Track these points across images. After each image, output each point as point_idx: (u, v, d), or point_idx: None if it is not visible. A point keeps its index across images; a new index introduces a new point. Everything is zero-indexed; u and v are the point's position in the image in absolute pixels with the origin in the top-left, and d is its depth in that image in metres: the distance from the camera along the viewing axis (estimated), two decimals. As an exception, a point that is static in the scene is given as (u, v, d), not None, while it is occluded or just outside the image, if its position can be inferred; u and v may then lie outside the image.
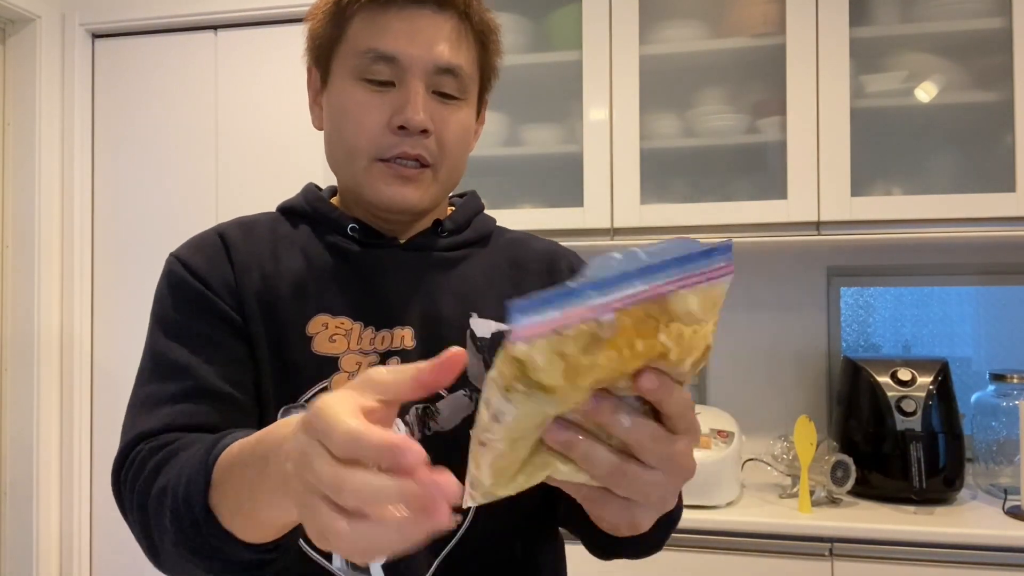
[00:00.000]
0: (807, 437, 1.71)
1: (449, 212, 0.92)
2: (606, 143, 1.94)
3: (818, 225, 1.84)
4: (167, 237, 2.40)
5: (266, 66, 2.33)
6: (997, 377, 1.84)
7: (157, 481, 0.65)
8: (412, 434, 0.77)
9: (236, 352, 0.77)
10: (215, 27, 2.38)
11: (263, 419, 0.78)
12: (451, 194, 0.95)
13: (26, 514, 2.33)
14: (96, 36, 2.47)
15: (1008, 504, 1.68)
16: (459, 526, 0.78)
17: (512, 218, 2.04)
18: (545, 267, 0.89)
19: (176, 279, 0.80)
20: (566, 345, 0.42)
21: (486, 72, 0.86)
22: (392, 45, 0.77)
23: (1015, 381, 1.81)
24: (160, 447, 0.68)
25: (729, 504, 1.73)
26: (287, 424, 0.51)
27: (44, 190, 2.36)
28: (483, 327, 0.82)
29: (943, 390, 1.77)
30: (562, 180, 2.01)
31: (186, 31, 2.41)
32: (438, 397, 0.78)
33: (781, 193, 1.86)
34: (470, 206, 0.93)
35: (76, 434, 2.39)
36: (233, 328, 0.78)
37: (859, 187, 1.84)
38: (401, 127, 0.78)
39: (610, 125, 1.94)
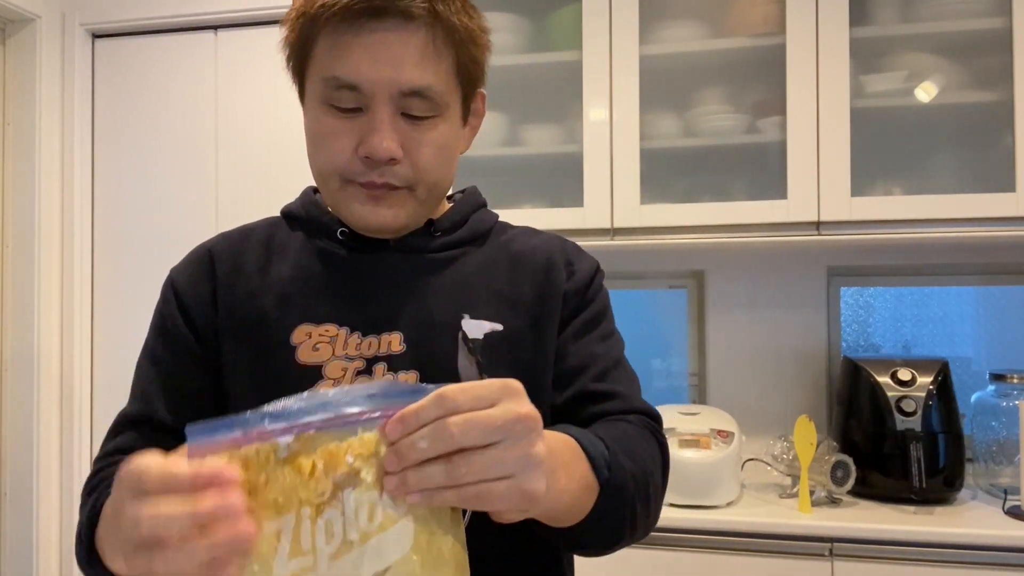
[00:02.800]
0: (807, 437, 1.71)
1: (446, 208, 0.90)
2: (606, 143, 1.94)
3: (818, 225, 1.84)
4: (167, 237, 2.40)
5: (266, 66, 2.33)
6: (997, 377, 1.84)
7: (83, 510, 0.73)
8: None
9: (189, 384, 0.81)
10: (215, 27, 2.38)
11: None
12: (450, 191, 0.95)
13: (26, 514, 2.33)
14: (96, 36, 2.47)
15: (1008, 504, 1.68)
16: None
17: (512, 218, 2.03)
18: (543, 264, 0.87)
19: (163, 298, 0.85)
20: (246, 463, 0.48)
21: (468, 75, 0.81)
22: (353, 72, 0.74)
23: (1015, 381, 1.81)
24: (100, 469, 0.78)
25: (729, 504, 1.73)
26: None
27: (44, 190, 2.36)
28: (475, 328, 0.81)
29: (943, 390, 1.77)
30: (562, 180, 2.01)
31: (186, 31, 2.40)
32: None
33: (781, 193, 1.86)
34: (468, 203, 0.91)
35: (76, 434, 2.39)
36: (195, 357, 0.82)
37: (859, 187, 1.84)
38: (367, 156, 0.75)
39: (610, 125, 1.94)
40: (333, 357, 0.78)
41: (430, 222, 0.86)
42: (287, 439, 0.48)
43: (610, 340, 0.88)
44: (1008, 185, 1.76)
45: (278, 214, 0.91)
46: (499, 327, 0.81)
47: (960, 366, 2.08)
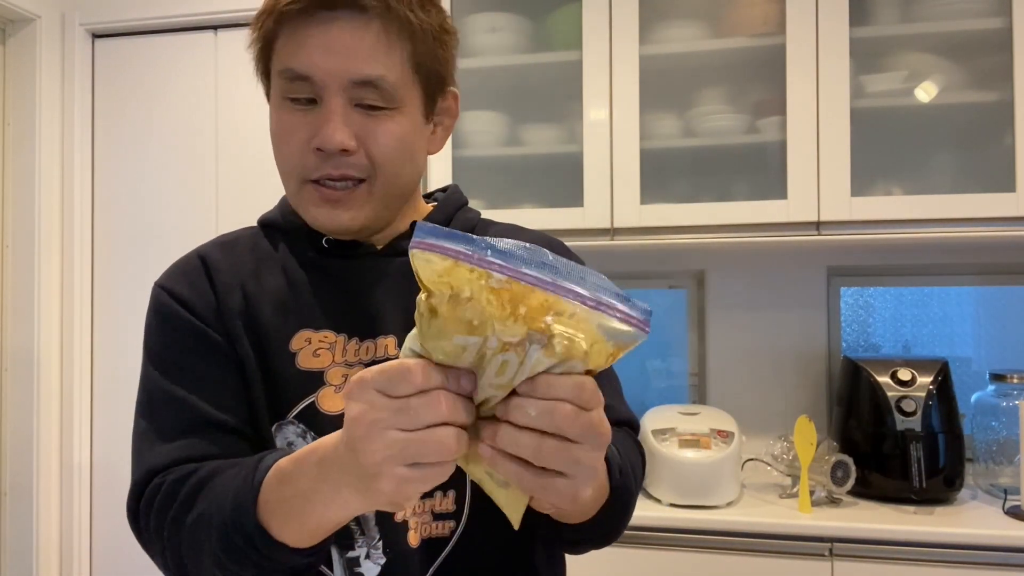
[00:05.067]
0: (807, 437, 1.71)
1: (430, 209, 0.90)
2: (606, 143, 1.94)
3: (818, 225, 1.84)
4: (167, 237, 2.40)
5: (266, 66, 2.33)
6: (997, 377, 1.84)
7: (193, 511, 0.69)
8: None
9: (226, 379, 0.78)
10: (215, 27, 2.38)
11: (258, 436, 0.78)
12: (433, 189, 0.95)
13: (26, 514, 2.33)
14: (96, 36, 2.47)
15: (1008, 504, 1.68)
16: (452, 534, 0.77)
17: (512, 218, 2.03)
18: None
19: (164, 309, 0.81)
20: (456, 275, 0.49)
21: (426, 72, 0.79)
22: (306, 63, 0.74)
23: (1015, 381, 1.81)
24: (183, 479, 0.72)
25: (729, 504, 1.73)
26: (330, 436, 0.59)
27: (44, 190, 2.36)
28: None
29: (943, 390, 1.77)
30: (562, 180, 2.01)
31: (186, 31, 2.40)
32: None
33: (781, 193, 1.86)
34: (451, 202, 0.91)
35: (76, 434, 2.39)
36: (221, 353, 0.79)
37: (859, 187, 1.84)
38: (319, 148, 0.76)
39: (610, 125, 1.94)
40: (333, 363, 0.78)
41: (414, 223, 0.84)
42: (501, 276, 0.49)
43: None
44: (1008, 185, 1.76)
45: (255, 224, 0.90)
46: None
47: (960, 366, 2.08)
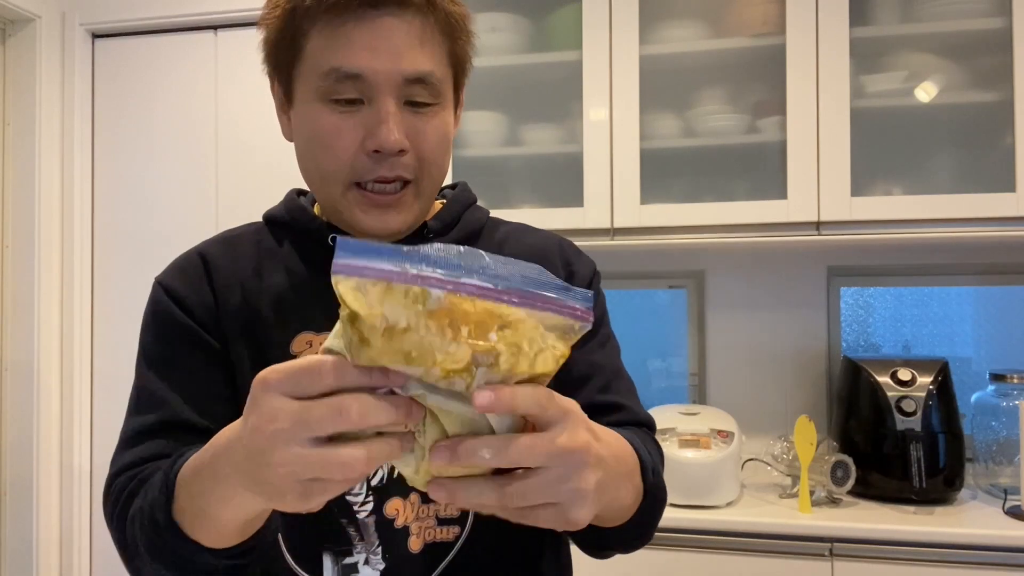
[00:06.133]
0: (807, 437, 1.71)
1: (438, 207, 0.88)
2: (606, 143, 1.94)
3: (818, 225, 1.84)
4: (167, 237, 2.40)
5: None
6: (997, 377, 1.84)
7: (131, 508, 0.69)
8: None
9: (213, 384, 0.77)
10: (215, 27, 2.38)
11: None
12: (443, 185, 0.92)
13: (26, 514, 2.33)
14: (96, 36, 2.47)
15: (1008, 504, 1.67)
16: (456, 539, 0.77)
17: (512, 218, 2.03)
18: (535, 261, 0.85)
19: (159, 307, 0.80)
20: (391, 300, 0.43)
21: (459, 66, 0.80)
22: (355, 62, 0.72)
23: (1015, 381, 1.80)
24: (133, 476, 0.72)
25: (729, 504, 1.73)
26: (230, 427, 0.55)
27: (44, 190, 2.36)
28: None
29: (943, 390, 1.77)
30: (562, 180, 2.01)
31: (186, 31, 2.40)
32: None
33: (781, 193, 1.86)
34: (460, 200, 0.89)
35: (76, 434, 2.39)
36: (211, 356, 0.78)
37: (859, 187, 1.84)
38: (376, 151, 0.73)
39: (610, 125, 1.94)
40: None
41: (423, 224, 0.83)
42: (440, 293, 0.44)
43: (608, 345, 0.87)
44: (1008, 185, 1.76)
45: (260, 220, 0.88)
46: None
47: (960, 366, 2.08)
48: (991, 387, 1.85)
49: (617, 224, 1.92)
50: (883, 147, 1.90)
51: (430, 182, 0.78)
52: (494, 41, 2.07)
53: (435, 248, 0.45)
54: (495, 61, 2.07)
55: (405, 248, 0.45)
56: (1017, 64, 1.76)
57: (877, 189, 1.88)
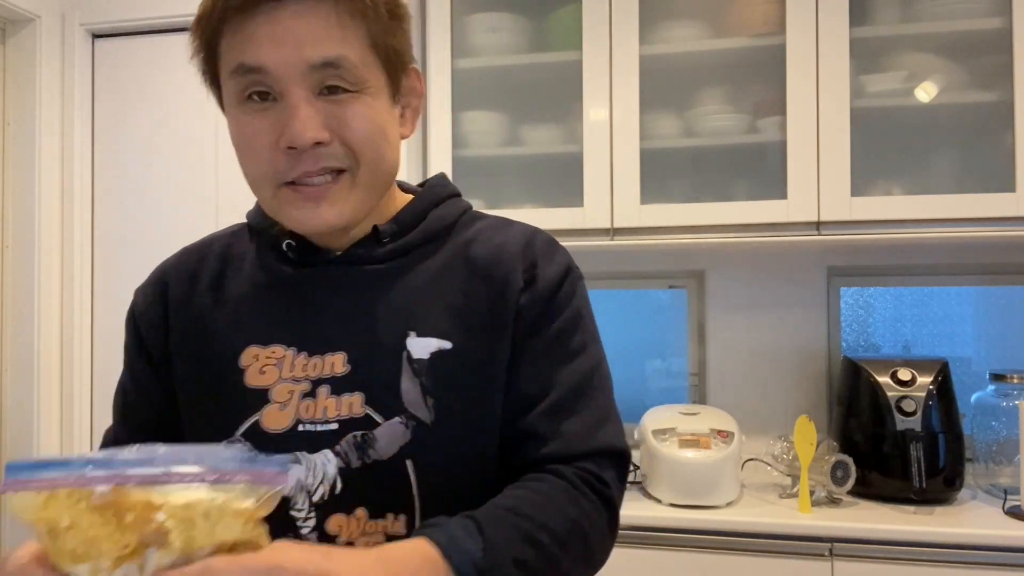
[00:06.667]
0: (807, 437, 1.71)
1: (408, 201, 0.84)
2: (606, 143, 1.94)
3: (818, 225, 1.84)
4: (167, 237, 2.40)
5: (266, 66, 2.33)
6: (997, 377, 1.84)
7: None
8: (347, 463, 0.74)
9: (145, 412, 0.84)
10: (215, 27, 2.38)
11: None
12: (417, 183, 0.89)
13: (26, 514, 2.33)
14: (96, 36, 2.47)
15: (1008, 504, 1.67)
16: (407, 533, 0.75)
17: (512, 218, 2.03)
18: (501, 270, 0.79)
19: (126, 323, 0.88)
20: (53, 505, 0.48)
21: (384, 50, 0.75)
22: (256, 55, 0.70)
23: (1015, 381, 1.80)
24: None
25: (729, 504, 1.73)
26: None
27: (44, 190, 2.36)
28: (421, 347, 0.75)
29: (943, 390, 1.77)
30: (562, 180, 2.01)
31: (186, 31, 2.40)
32: (374, 424, 0.74)
33: (781, 193, 1.86)
34: (426, 199, 0.84)
35: (76, 434, 2.39)
36: (149, 385, 0.84)
37: (859, 187, 1.84)
38: (290, 147, 0.71)
39: (610, 125, 1.94)
40: (280, 380, 0.76)
41: (376, 228, 0.80)
42: (104, 488, 0.48)
43: (580, 359, 0.79)
44: (1008, 185, 1.76)
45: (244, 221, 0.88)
46: (447, 345, 0.76)
47: (960, 366, 2.08)
48: (991, 387, 1.85)
49: (617, 224, 1.92)
50: (883, 147, 1.90)
51: (368, 172, 0.74)
52: (494, 41, 2.07)
53: (106, 451, 0.50)
54: (495, 61, 2.07)
55: (75, 456, 0.49)
56: (1017, 64, 1.76)
57: (877, 189, 1.88)
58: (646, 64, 1.94)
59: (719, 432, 1.76)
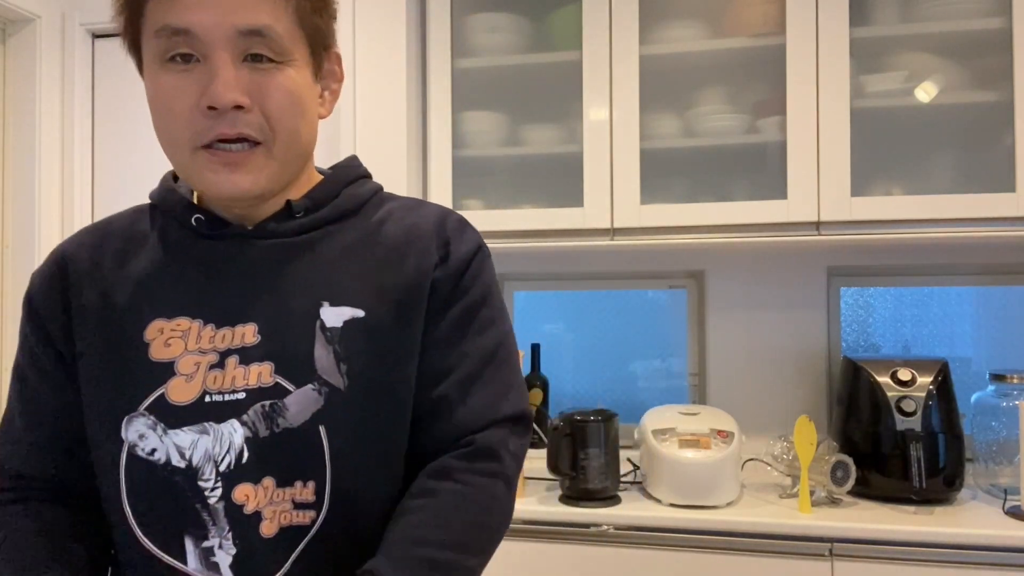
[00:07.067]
0: (807, 437, 1.71)
1: (315, 183, 0.86)
2: (606, 143, 1.94)
3: (818, 225, 1.84)
4: (167, 237, 2.39)
5: (266, 66, 2.33)
6: (997, 377, 1.84)
7: None
8: (254, 432, 0.75)
9: (47, 393, 0.83)
10: (215, 27, 2.38)
11: (100, 431, 0.79)
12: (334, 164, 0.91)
13: (26, 514, 2.33)
14: (96, 36, 2.47)
15: (1008, 504, 1.68)
16: (312, 523, 0.76)
17: (512, 218, 2.04)
18: (415, 246, 0.82)
19: (23, 312, 0.86)
20: None
21: (312, 26, 0.77)
22: (184, 17, 0.70)
23: (1015, 381, 1.81)
24: None
25: (729, 504, 1.73)
26: None
27: (44, 189, 2.36)
28: (334, 316, 0.78)
29: (943, 390, 1.77)
30: (562, 180, 2.01)
31: (186, 31, 2.40)
32: (285, 392, 0.76)
33: (781, 193, 1.86)
34: (339, 177, 0.86)
35: (76, 434, 2.39)
36: (56, 358, 0.82)
37: (859, 187, 1.84)
38: (210, 107, 0.71)
39: (610, 125, 1.94)
40: (185, 352, 0.76)
41: (289, 203, 0.82)
42: None
43: (490, 331, 0.83)
44: (1008, 185, 1.76)
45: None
46: (360, 313, 0.78)
47: (960, 366, 2.08)
48: (991, 387, 1.85)
49: (617, 224, 1.92)
50: (883, 147, 1.90)
51: (283, 146, 0.76)
52: (494, 41, 2.07)
53: None
54: (495, 61, 2.07)
55: None
56: (1017, 64, 1.76)
57: (877, 189, 1.88)
58: (646, 64, 1.94)
59: (719, 432, 1.76)
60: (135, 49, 0.78)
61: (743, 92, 1.98)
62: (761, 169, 1.96)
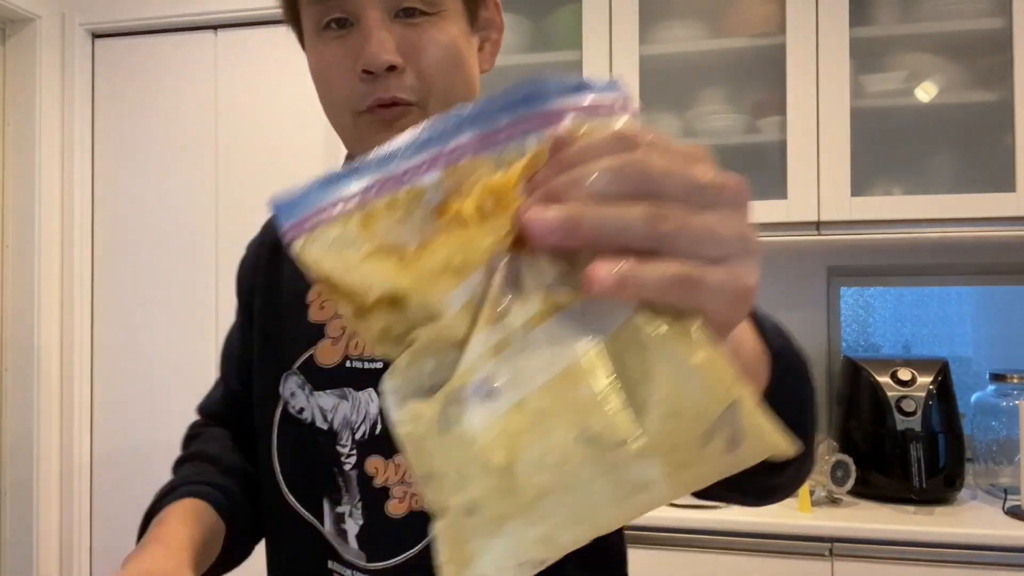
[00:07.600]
0: (807, 437, 1.70)
1: None
2: (606, 143, 1.94)
3: (818, 225, 1.84)
4: (167, 237, 2.40)
5: (266, 66, 2.33)
6: (997, 377, 1.84)
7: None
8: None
9: (234, 359, 0.89)
10: (215, 27, 2.38)
11: (261, 387, 0.82)
12: None
13: (26, 514, 2.33)
14: (96, 36, 2.47)
15: (1008, 504, 1.68)
16: None
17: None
18: None
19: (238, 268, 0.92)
20: (372, 222, 0.32)
21: None
22: None
23: (1015, 381, 1.81)
24: (191, 438, 0.90)
25: (729, 504, 1.73)
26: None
27: (44, 190, 2.36)
28: None
29: (943, 390, 1.77)
30: (562, 180, 2.01)
31: (186, 31, 2.41)
32: None
33: (781, 193, 1.86)
34: None
35: (76, 434, 2.39)
36: (244, 327, 0.87)
37: (859, 187, 1.84)
38: (365, 71, 0.68)
39: (610, 125, 1.94)
40: (336, 315, 0.77)
41: None
42: (434, 176, 0.32)
43: None
44: (1008, 185, 1.76)
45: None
46: None
47: (960, 366, 2.08)
48: (991, 387, 1.85)
49: (617, 224, 1.92)
50: (883, 147, 1.90)
51: (438, 104, 0.70)
52: (494, 41, 2.07)
53: (378, 150, 0.34)
54: (495, 61, 2.07)
55: (356, 161, 0.34)
56: (1017, 64, 1.76)
57: (877, 189, 1.88)
58: (646, 64, 1.94)
59: (719, 432, 1.76)
60: (296, 23, 0.77)
61: (743, 92, 1.98)
62: (761, 169, 1.96)
